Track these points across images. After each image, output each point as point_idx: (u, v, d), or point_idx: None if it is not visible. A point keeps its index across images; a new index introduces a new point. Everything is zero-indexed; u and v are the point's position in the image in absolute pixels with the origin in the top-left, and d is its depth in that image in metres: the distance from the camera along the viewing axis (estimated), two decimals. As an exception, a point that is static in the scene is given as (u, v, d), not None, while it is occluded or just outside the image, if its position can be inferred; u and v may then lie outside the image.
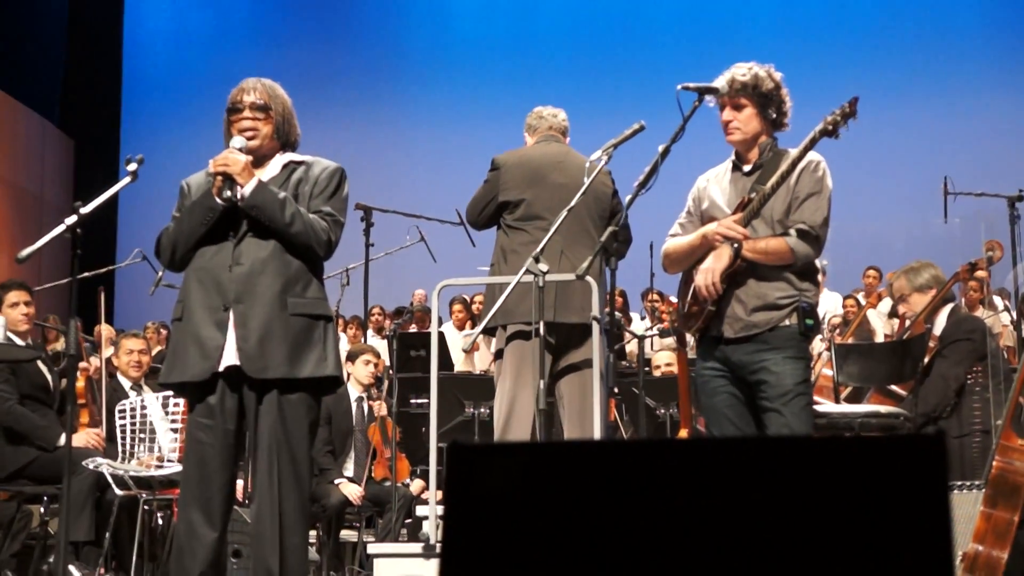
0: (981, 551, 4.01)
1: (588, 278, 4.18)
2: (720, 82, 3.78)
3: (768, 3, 14.37)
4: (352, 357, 6.99)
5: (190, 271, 3.65)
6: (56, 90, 14.63)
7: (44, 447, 5.61)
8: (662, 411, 6.25)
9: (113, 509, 5.50)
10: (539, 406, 4.11)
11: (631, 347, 8.60)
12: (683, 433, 5.23)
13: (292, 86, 3.85)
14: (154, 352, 8.01)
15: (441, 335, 7.00)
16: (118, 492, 5.44)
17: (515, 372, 4.82)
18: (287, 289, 3.56)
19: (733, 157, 3.91)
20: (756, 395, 3.72)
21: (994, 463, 4.12)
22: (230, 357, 3.53)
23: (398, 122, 14.90)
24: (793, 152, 3.74)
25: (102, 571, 5.67)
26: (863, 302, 9.20)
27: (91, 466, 5.46)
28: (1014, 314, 7.48)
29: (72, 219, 3.58)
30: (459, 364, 8.98)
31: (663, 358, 7.08)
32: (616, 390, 6.29)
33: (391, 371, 6.68)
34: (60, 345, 8.26)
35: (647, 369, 6.83)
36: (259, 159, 3.67)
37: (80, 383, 6.14)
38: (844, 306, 9.93)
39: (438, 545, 3.61)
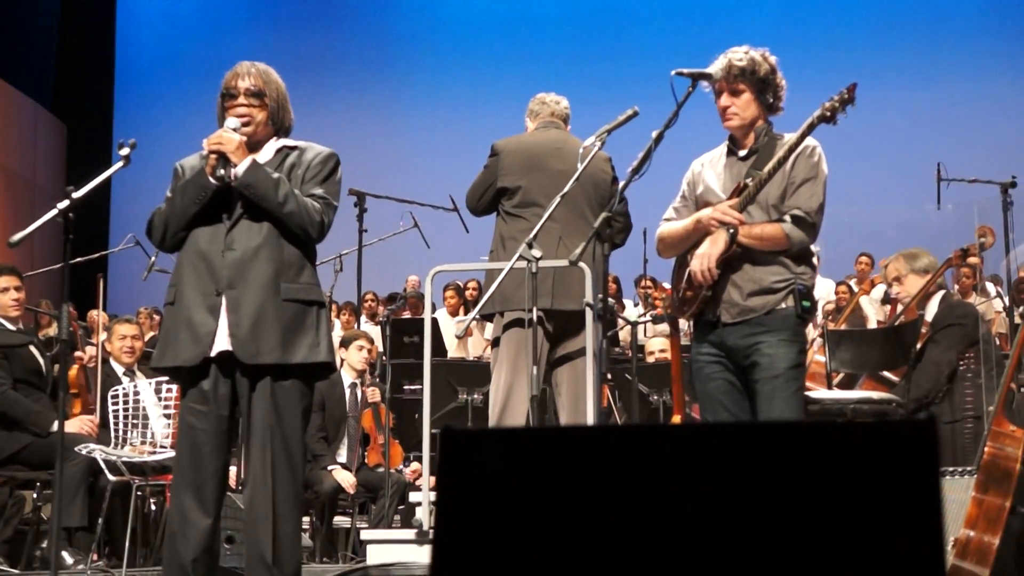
0: (973, 537, 4.02)
1: (581, 264, 4.17)
2: (714, 68, 3.76)
3: (762, -11, 14.35)
4: (345, 343, 6.98)
5: (183, 255, 3.63)
6: (49, 74, 14.56)
7: (37, 432, 5.60)
8: (655, 397, 6.26)
9: (106, 495, 5.50)
10: (532, 391, 4.11)
11: (624, 333, 8.60)
12: (676, 419, 5.23)
13: (285, 70, 3.82)
14: (147, 338, 8.00)
15: (434, 321, 7.00)
16: (111, 478, 5.44)
17: (512, 360, 4.80)
18: (280, 274, 3.55)
19: (728, 142, 3.89)
20: (748, 377, 3.72)
21: (986, 449, 4.12)
22: (222, 343, 3.52)
23: (391, 108, 14.87)
24: (790, 138, 3.72)
25: (95, 557, 5.67)
26: (856, 288, 9.20)
27: (84, 452, 5.46)
28: (1007, 300, 7.50)
29: (64, 204, 3.57)
30: (452, 350, 8.99)
31: (656, 344, 7.09)
32: (609, 376, 6.29)
33: (384, 357, 6.67)
34: (53, 330, 8.24)
35: (640, 355, 6.83)
36: (253, 145, 3.64)
37: (73, 372, 6.13)
38: (836, 292, 9.92)
39: (431, 531, 3.62)
